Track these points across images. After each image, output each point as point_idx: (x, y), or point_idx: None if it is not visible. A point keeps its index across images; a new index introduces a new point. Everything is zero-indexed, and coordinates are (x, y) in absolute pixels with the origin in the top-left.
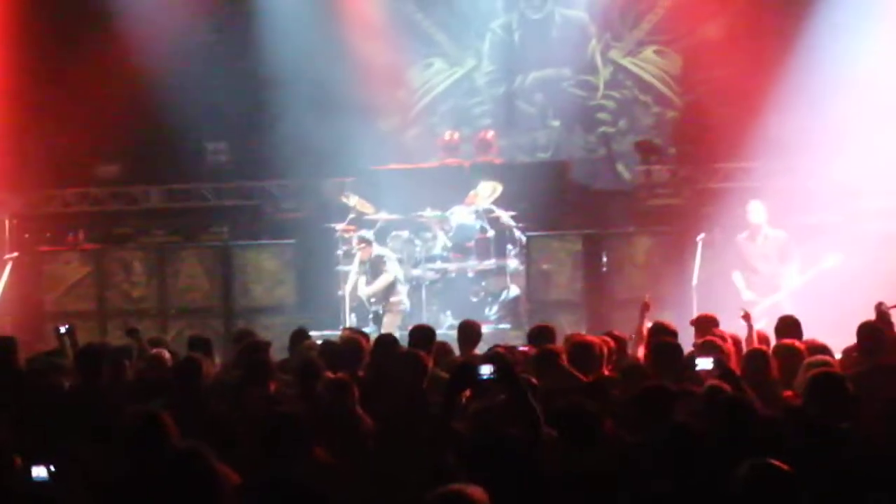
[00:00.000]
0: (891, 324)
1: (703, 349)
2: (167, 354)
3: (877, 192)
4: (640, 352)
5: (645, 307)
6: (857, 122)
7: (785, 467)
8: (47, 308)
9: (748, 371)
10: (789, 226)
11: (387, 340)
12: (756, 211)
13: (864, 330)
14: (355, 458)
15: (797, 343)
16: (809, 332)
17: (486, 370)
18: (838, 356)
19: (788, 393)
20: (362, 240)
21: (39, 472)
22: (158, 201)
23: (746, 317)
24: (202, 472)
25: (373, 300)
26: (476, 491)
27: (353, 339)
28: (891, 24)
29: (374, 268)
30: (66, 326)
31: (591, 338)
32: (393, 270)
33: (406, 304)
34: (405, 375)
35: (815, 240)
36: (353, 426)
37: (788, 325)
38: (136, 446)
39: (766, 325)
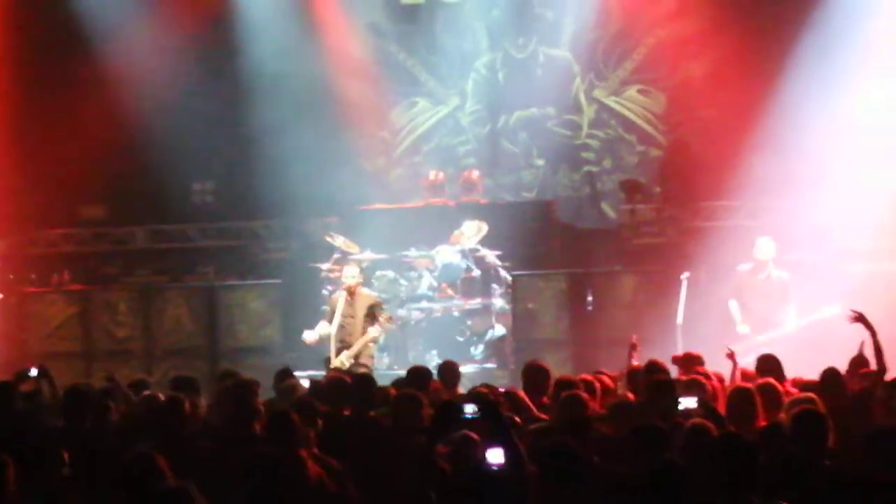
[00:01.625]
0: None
1: (687, 388)
2: (161, 396)
3: (860, 234)
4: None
5: (633, 347)
6: (840, 162)
7: None
8: (32, 349)
9: (733, 408)
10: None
11: (367, 380)
12: (764, 247)
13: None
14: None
15: (776, 382)
16: (795, 372)
17: (469, 409)
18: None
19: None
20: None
21: None
22: (144, 242)
23: (731, 355)
24: None
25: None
26: None
27: (338, 378)
28: (874, 65)
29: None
30: (38, 369)
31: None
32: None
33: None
34: (404, 416)
35: (801, 279)
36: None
37: (769, 364)
38: (132, 487)
39: (751, 362)
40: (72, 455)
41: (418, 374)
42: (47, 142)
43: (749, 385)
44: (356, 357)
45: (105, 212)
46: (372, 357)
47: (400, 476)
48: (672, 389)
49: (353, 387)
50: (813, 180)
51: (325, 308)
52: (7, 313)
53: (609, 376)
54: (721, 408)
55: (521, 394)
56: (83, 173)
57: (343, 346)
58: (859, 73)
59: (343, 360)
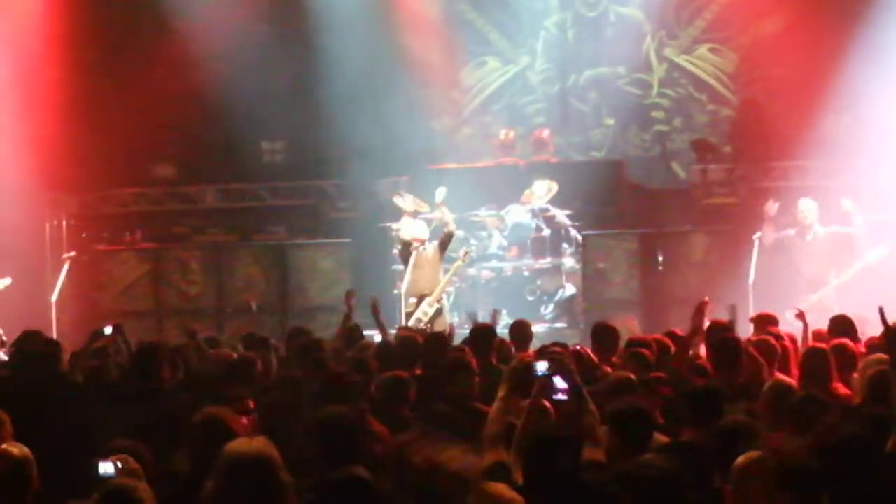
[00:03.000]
0: None
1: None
2: (232, 353)
3: None
4: (702, 350)
5: (704, 305)
6: None
7: None
8: (104, 307)
9: (807, 368)
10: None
11: (440, 339)
12: (807, 209)
13: None
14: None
15: (850, 342)
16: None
17: (541, 367)
18: None
19: (845, 391)
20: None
21: (107, 468)
22: (215, 201)
23: (800, 315)
24: (267, 475)
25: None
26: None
27: (409, 337)
28: None
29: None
30: (113, 327)
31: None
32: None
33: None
34: (454, 376)
35: (870, 239)
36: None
37: (842, 324)
38: (203, 445)
39: (812, 322)
40: (142, 412)
41: (482, 334)
42: (119, 102)
43: (823, 345)
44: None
45: (176, 171)
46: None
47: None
48: (739, 348)
49: (423, 346)
50: (887, 139)
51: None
52: (80, 272)
53: (678, 336)
54: (794, 369)
55: (590, 353)
56: (154, 133)
57: (420, 299)
58: None
59: (425, 311)
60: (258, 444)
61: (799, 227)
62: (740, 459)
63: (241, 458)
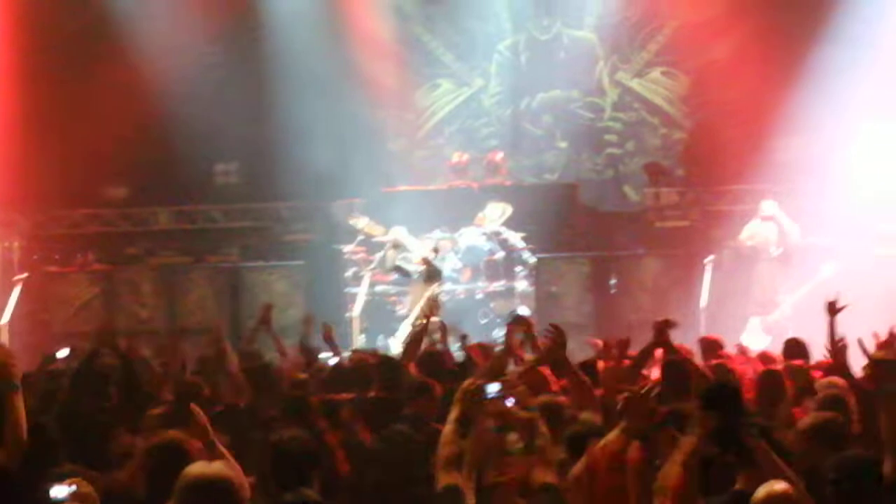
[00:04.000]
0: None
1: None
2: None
3: (886, 217)
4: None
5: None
6: (864, 144)
7: None
8: (55, 329)
9: (762, 390)
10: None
11: (392, 362)
12: (769, 207)
13: None
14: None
15: (806, 364)
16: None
17: (493, 388)
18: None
19: (799, 412)
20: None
21: (59, 492)
22: (167, 222)
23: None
24: (227, 498)
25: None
26: None
27: (362, 360)
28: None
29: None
30: (69, 350)
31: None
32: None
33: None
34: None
35: (819, 259)
36: None
37: (795, 347)
38: (161, 469)
39: (770, 342)
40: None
41: (433, 359)
42: (71, 123)
43: (778, 367)
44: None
45: (128, 192)
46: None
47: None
48: (687, 370)
49: (376, 368)
50: (836, 163)
51: None
52: (31, 293)
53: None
54: (748, 391)
55: (546, 372)
56: (107, 154)
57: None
58: (884, 53)
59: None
60: (218, 467)
61: (754, 247)
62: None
63: (201, 481)
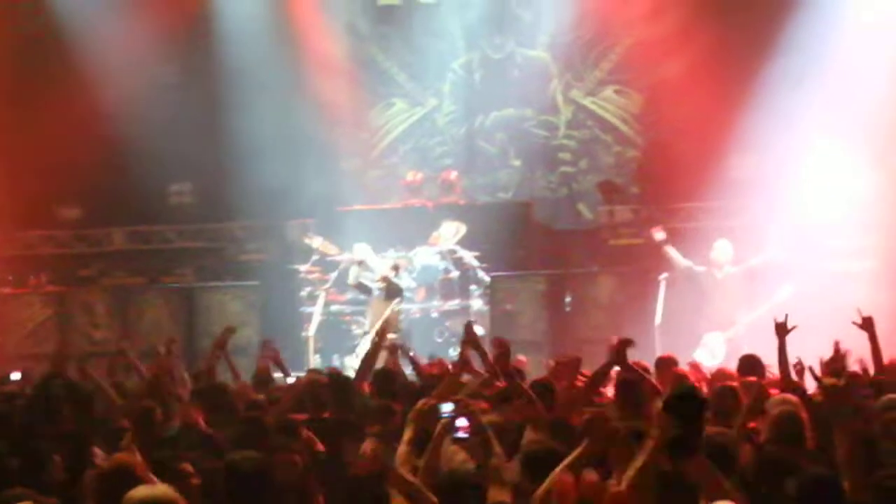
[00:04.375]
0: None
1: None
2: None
3: (839, 233)
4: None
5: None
6: (816, 161)
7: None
8: (8, 350)
9: (716, 406)
10: (751, 264)
11: (343, 384)
12: (722, 250)
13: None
14: None
15: (760, 381)
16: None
17: (446, 408)
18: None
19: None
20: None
21: None
22: (122, 243)
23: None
24: None
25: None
26: None
27: (314, 381)
28: (847, 67)
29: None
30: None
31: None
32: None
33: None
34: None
35: (777, 278)
36: None
37: (750, 363)
38: (111, 493)
39: (723, 359)
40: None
41: (386, 378)
42: (24, 143)
43: (734, 384)
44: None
45: (82, 213)
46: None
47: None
48: (640, 388)
49: (328, 389)
50: (790, 180)
51: None
52: None
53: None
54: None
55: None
56: (60, 175)
57: None
58: (834, 71)
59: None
60: (163, 489)
61: (710, 266)
62: None
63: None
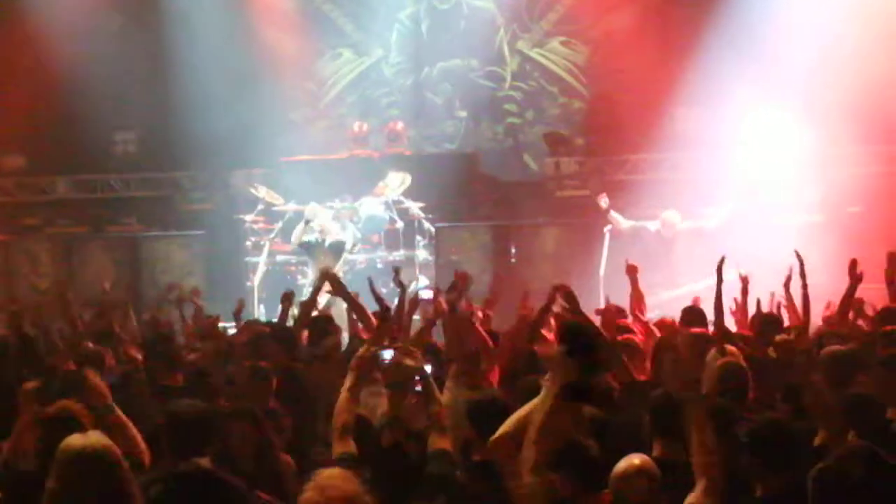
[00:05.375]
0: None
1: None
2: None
3: (783, 187)
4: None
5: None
6: (761, 114)
7: None
8: None
9: (659, 358)
10: (695, 217)
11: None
12: (671, 220)
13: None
14: None
15: (705, 331)
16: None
17: (388, 355)
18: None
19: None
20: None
21: None
22: (66, 192)
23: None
24: (106, 469)
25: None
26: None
27: (257, 331)
28: (799, 15)
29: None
30: None
31: None
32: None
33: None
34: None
35: (723, 234)
36: None
37: (693, 314)
38: (54, 441)
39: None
40: None
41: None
42: None
43: (674, 337)
44: None
45: (26, 162)
46: None
47: None
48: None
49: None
50: (738, 133)
51: None
52: None
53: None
54: (648, 359)
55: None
56: (4, 123)
57: None
58: (785, 18)
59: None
60: (95, 437)
61: (660, 227)
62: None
63: (77, 453)
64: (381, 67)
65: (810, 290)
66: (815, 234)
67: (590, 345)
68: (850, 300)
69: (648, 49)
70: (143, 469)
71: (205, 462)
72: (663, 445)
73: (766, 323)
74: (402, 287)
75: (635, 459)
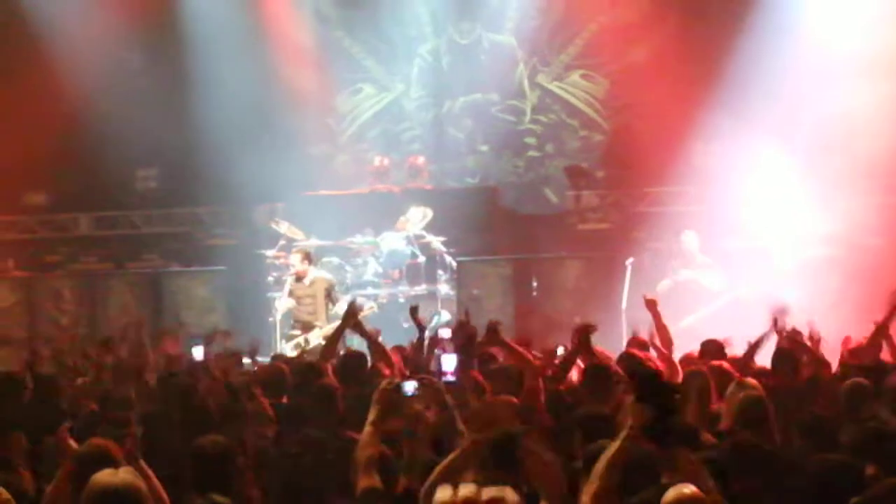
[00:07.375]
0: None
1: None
2: None
3: (803, 220)
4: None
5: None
6: (782, 149)
7: None
8: None
9: (687, 390)
10: (717, 250)
11: (306, 370)
12: (689, 240)
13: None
14: None
15: (725, 365)
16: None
17: (409, 388)
18: None
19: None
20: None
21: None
22: (88, 228)
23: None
24: None
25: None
26: None
27: (277, 367)
28: (814, 52)
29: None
30: None
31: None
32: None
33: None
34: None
35: (743, 266)
36: None
37: (714, 348)
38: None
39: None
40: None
41: (355, 361)
42: None
43: (702, 368)
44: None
45: (48, 199)
46: None
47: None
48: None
49: (290, 376)
50: (754, 167)
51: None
52: None
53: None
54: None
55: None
56: (26, 160)
57: (301, 325)
58: (802, 56)
59: (308, 339)
60: (124, 474)
61: (682, 258)
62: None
63: (106, 490)
64: (402, 102)
65: (829, 323)
66: (831, 267)
67: (657, 391)
68: (886, 329)
69: (669, 81)
70: None
71: (221, 498)
72: None
73: (783, 357)
74: (421, 328)
75: (685, 489)
